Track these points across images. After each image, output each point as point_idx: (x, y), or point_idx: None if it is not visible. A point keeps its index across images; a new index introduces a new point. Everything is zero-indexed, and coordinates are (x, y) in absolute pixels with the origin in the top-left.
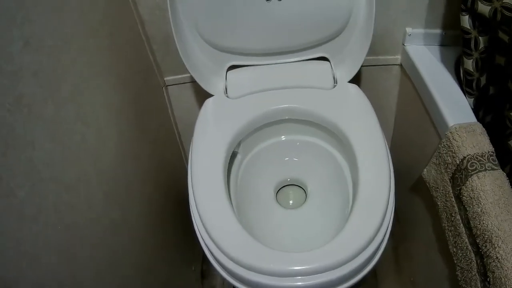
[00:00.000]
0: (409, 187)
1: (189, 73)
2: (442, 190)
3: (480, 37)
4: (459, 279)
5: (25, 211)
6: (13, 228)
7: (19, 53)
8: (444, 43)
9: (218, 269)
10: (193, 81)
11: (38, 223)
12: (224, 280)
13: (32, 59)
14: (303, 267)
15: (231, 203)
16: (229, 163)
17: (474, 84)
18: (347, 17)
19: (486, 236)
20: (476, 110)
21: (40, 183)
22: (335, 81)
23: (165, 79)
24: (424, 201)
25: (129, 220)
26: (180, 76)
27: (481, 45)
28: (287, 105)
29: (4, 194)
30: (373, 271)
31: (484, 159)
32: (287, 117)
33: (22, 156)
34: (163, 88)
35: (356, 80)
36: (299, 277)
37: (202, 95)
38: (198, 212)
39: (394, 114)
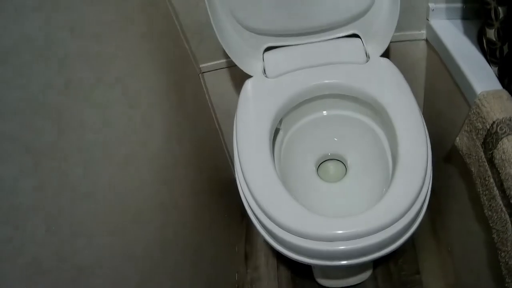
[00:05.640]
0: (442, 158)
1: (224, 58)
2: (475, 156)
3: (499, 7)
4: (496, 241)
5: (80, 190)
6: (68, 206)
7: (68, 39)
8: (466, 17)
9: (263, 234)
10: (227, 67)
11: (91, 201)
12: (268, 259)
13: (79, 44)
14: (350, 230)
15: (279, 177)
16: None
17: (497, 53)
18: None
19: None
20: (501, 79)
21: (94, 162)
22: (368, 56)
23: (200, 66)
24: (457, 170)
25: (177, 200)
26: (214, 62)
27: (501, 15)
28: (327, 81)
29: (59, 174)
30: (412, 243)
31: None
32: (326, 93)
33: (74, 136)
34: (199, 75)
35: (384, 56)
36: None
37: (237, 80)
38: (248, 185)
39: (423, 87)
